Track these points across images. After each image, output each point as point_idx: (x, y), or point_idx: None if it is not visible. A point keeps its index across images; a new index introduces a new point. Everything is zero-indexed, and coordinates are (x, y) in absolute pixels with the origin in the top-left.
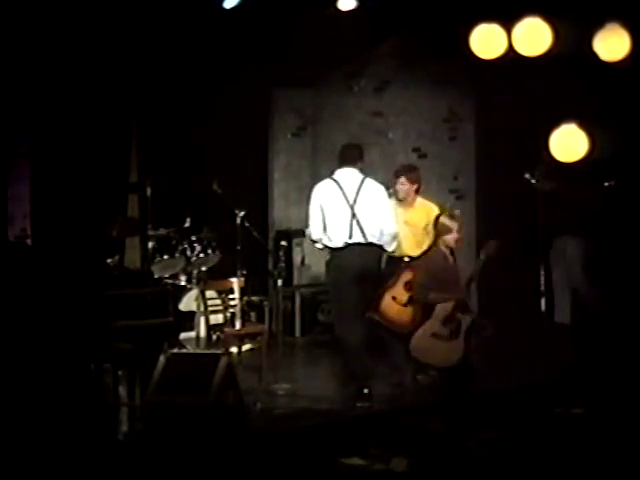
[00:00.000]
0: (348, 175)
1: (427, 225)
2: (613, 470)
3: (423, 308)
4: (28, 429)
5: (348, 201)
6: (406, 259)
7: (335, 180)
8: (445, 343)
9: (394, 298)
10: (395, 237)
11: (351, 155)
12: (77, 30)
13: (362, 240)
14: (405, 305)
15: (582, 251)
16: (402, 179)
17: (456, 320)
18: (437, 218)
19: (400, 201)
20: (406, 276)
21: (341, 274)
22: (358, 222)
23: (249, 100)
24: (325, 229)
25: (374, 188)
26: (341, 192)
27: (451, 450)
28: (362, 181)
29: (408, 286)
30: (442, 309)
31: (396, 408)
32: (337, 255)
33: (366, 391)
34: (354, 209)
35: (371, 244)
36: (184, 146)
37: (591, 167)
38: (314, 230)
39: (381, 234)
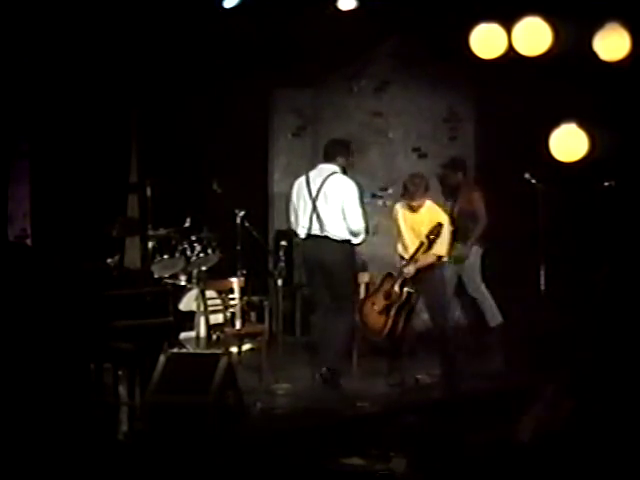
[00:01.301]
0: (321, 170)
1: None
2: (613, 469)
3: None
4: (28, 429)
5: (311, 195)
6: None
7: (307, 175)
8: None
9: (373, 304)
10: (359, 233)
11: (331, 151)
12: (77, 30)
13: (319, 233)
14: (380, 313)
15: (478, 259)
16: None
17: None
18: (437, 226)
19: (408, 205)
20: (386, 285)
21: (305, 264)
22: (318, 216)
23: (249, 100)
24: (296, 220)
25: (339, 184)
26: (307, 186)
27: (451, 450)
28: (328, 176)
29: (386, 294)
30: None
31: (396, 408)
32: (303, 245)
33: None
34: (315, 203)
35: (328, 237)
36: (184, 146)
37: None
38: (291, 220)
39: (345, 229)
